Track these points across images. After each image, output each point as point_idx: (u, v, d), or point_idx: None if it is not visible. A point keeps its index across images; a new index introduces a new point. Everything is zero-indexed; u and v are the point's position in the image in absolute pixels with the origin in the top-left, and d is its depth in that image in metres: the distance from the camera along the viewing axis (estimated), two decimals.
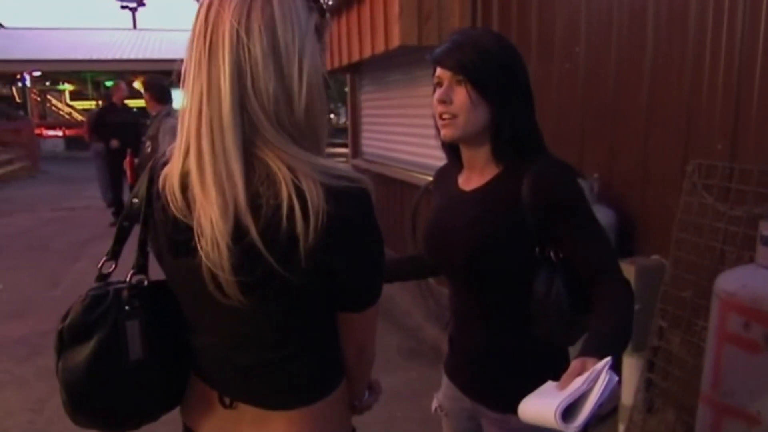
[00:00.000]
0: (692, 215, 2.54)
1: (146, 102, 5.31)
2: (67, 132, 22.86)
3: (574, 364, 1.07)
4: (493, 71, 1.33)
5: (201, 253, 0.93)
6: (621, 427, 2.76)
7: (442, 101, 1.35)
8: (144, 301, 1.09)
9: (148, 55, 19.80)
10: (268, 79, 0.93)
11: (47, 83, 25.69)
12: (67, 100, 26.68)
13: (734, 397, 2.03)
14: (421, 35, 4.32)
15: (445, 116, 1.36)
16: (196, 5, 0.99)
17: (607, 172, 3.07)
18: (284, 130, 0.95)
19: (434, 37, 4.28)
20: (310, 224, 0.90)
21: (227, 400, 1.10)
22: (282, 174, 0.92)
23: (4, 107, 21.97)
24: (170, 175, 1.00)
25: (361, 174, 0.99)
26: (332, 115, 24.44)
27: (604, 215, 2.77)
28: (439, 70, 1.37)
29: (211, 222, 0.92)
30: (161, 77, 5.42)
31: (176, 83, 0.99)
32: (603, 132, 3.11)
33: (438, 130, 1.41)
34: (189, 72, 0.96)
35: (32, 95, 24.63)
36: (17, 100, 24.88)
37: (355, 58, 5.61)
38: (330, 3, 5.80)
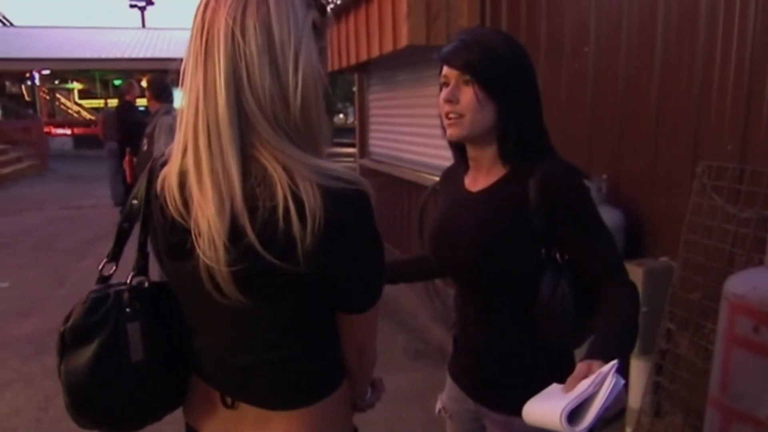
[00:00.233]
0: (701, 217, 2.52)
1: (147, 100, 5.32)
2: (76, 130, 23.00)
3: (580, 366, 1.07)
4: (501, 71, 1.32)
5: (198, 251, 0.93)
6: (628, 430, 2.74)
7: (449, 100, 1.34)
8: (145, 303, 1.09)
9: (157, 54, 19.83)
10: (264, 77, 0.93)
11: (56, 82, 25.83)
12: (76, 99, 26.83)
13: (743, 400, 2.02)
14: (430, 35, 4.30)
15: (451, 116, 1.35)
16: None
17: (615, 173, 3.05)
18: (281, 129, 0.95)
19: (442, 37, 4.25)
20: (307, 227, 0.89)
21: (229, 400, 1.10)
22: (278, 175, 0.91)
23: (14, 105, 22.12)
24: (169, 174, 1.00)
25: (359, 176, 0.98)
26: (341, 115, 24.48)
27: (612, 216, 2.75)
28: (446, 69, 1.36)
29: (208, 220, 0.92)
30: (165, 76, 5.42)
31: (176, 82, 0.99)
32: (611, 133, 3.09)
33: (444, 129, 1.40)
34: (187, 70, 0.97)
35: (41, 94, 24.81)
36: (26, 98, 25.08)
37: (363, 57, 5.60)
38: (338, 2, 5.80)
